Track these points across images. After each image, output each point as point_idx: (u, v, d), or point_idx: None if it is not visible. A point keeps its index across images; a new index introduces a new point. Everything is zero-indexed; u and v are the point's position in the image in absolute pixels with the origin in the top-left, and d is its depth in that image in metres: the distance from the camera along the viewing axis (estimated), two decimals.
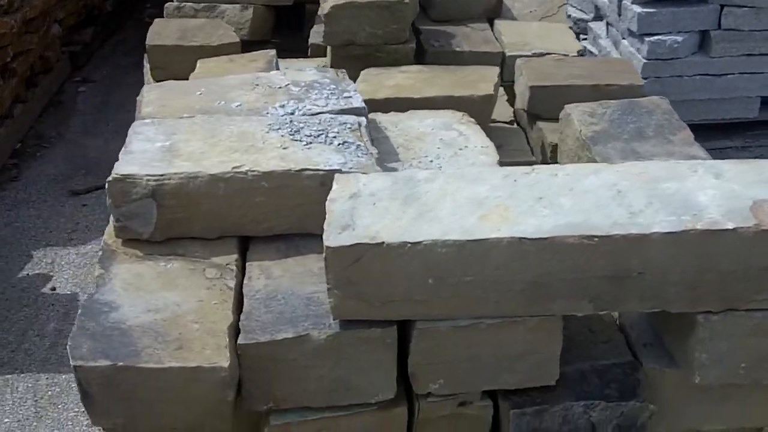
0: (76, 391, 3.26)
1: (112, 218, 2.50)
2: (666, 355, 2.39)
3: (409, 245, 2.14)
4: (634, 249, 2.11)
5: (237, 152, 2.55)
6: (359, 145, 2.62)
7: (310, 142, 2.60)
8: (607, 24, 4.94)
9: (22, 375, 3.49)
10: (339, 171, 2.49)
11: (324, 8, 3.75)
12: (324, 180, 2.48)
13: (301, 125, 2.69)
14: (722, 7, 4.76)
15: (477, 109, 3.28)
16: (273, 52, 3.91)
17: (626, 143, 2.99)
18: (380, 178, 2.39)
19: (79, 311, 2.27)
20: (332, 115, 2.77)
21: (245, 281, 2.41)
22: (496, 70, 3.57)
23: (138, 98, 3.32)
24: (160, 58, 3.95)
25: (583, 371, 2.37)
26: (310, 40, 4.34)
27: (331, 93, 2.92)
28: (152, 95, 2.97)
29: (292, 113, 2.81)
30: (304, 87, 2.98)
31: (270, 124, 2.70)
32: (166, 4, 4.42)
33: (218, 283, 2.38)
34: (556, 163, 3.26)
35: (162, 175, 2.44)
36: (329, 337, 2.22)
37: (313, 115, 2.79)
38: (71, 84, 5.94)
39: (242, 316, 2.28)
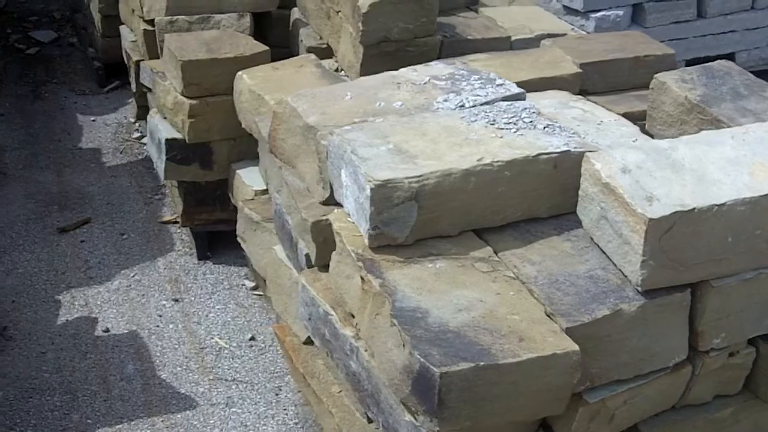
0: (197, 426, 3.12)
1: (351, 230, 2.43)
2: None
3: (716, 207, 2.26)
4: None
5: (463, 146, 2.54)
6: (560, 126, 2.69)
7: (517, 129, 2.64)
8: None
9: (134, 423, 3.24)
10: (568, 152, 2.55)
11: (362, 7, 3.71)
12: (557, 162, 2.54)
13: (491, 115, 2.71)
14: None
15: (567, 87, 3.41)
16: (312, 56, 3.85)
17: (733, 102, 3.23)
18: (630, 152, 2.48)
19: (395, 320, 2.20)
20: (507, 103, 2.81)
21: (513, 270, 2.42)
22: (560, 51, 3.70)
23: (256, 119, 3.19)
24: (194, 73, 3.75)
25: None
26: (305, 43, 4.27)
27: (481, 82, 2.96)
28: (303, 106, 2.87)
29: (462, 105, 2.82)
30: (447, 80, 2.99)
31: (463, 117, 2.70)
32: (157, 19, 4.18)
33: (497, 275, 2.38)
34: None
35: (421, 176, 2.40)
36: (638, 309, 2.30)
37: (484, 104, 2.82)
38: None
39: (545, 302, 2.30)
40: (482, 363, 2.09)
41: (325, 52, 4.19)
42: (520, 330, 2.20)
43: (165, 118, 3.98)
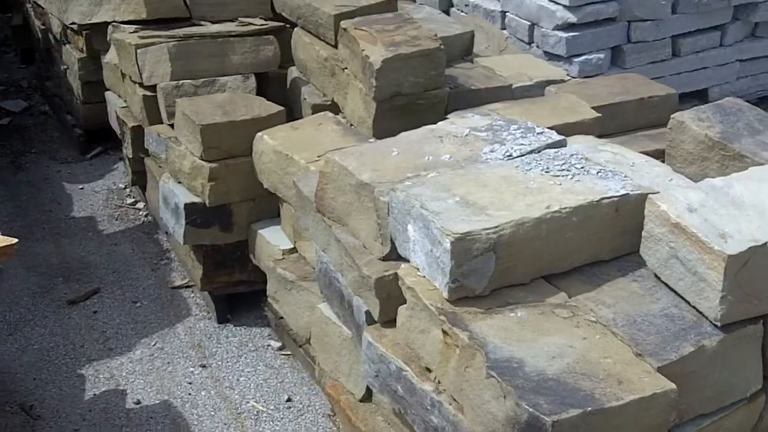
0: None
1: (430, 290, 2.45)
2: None
3: None
4: None
5: (527, 195, 2.60)
6: (611, 170, 2.76)
7: (572, 176, 2.71)
8: None
9: None
10: (627, 195, 2.62)
11: (375, 64, 3.77)
12: (618, 205, 2.62)
13: (543, 162, 2.78)
14: (629, 23, 5.35)
15: (588, 131, 3.50)
16: (329, 113, 3.89)
17: (752, 137, 3.35)
18: (691, 192, 2.56)
19: (492, 372, 2.23)
20: (554, 150, 2.88)
21: (590, 314, 2.47)
22: (574, 97, 3.80)
23: (295, 180, 3.21)
24: (213, 136, 3.76)
25: None
26: (309, 101, 4.31)
27: (522, 132, 3.03)
28: (353, 164, 2.90)
29: (510, 155, 2.88)
30: (488, 131, 3.05)
31: (517, 167, 2.76)
32: (162, 85, 4.18)
33: (578, 320, 2.43)
34: None
35: (497, 227, 2.44)
36: (719, 343, 2.36)
37: (532, 152, 2.88)
38: None
39: (630, 343, 2.35)
40: (590, 408, 2.12)
41: (330, 109, 4.23)
42: (616, 373, 2.24)
43: (180, 182, 3.97)
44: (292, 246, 3.67)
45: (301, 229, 3.36)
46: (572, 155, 2.83)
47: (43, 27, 6.17)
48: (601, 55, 5.28)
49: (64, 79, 5.89)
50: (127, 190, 5.27)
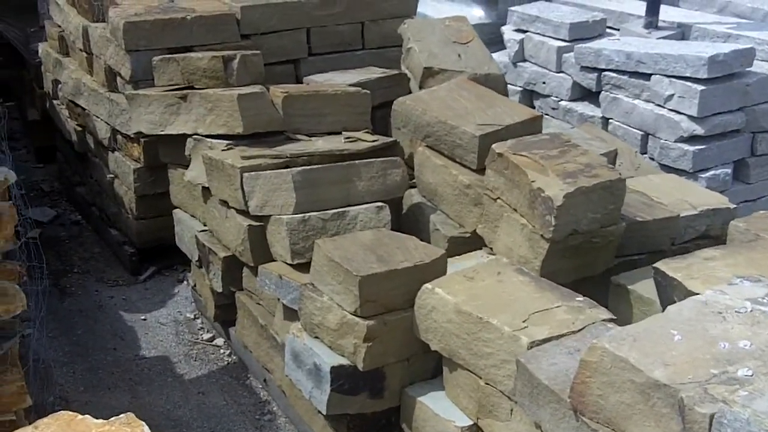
0: None
1: None
2: None
3: None
4: None
5: None
6: None
7: None
8: None
9: None
10: None
11: (555, 199, 3.23)
12: None
13: None
14: (754, 134, 4.90)
15: None
16: (504, 259, 3.33)
17: None
18: None
19: None
20: None
21: None
22: None
23: (521, 360, 2.61)
24: (371, 289, 3.15)
25: None
26: (443, 232, 3.78)
27: None
28: (633, 355, 2.31)
29: None
30: None
31: None
32: (286, 219, 3.56)
33: None
34: None
35: None
36: None
37: None
38: None
39: None
40: None
41: (468, 243, 3.69)
42: None
43: (317, 337, 3.34)
44: (472, 422, 3.06)
45: (531, 418, 2.74)
46: None
47: (79, 128, 5.52)
48: (728, 170, 4.81)
49: (110, 189, 5.23)
50: (198, 321, 4.61)
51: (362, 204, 3.74)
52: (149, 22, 4.68)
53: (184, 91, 4.31)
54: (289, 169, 3.64)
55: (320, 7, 5.12)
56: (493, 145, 3.60)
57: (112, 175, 5.19)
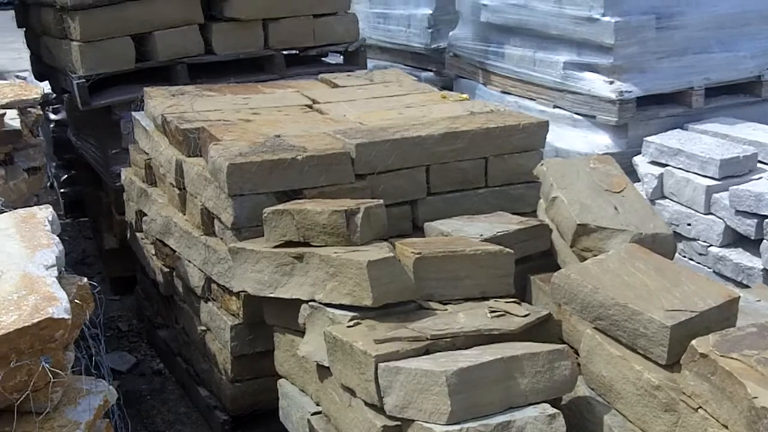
0: None
1: None
2: None
3: None
4: None
5: None
6: None
7: None
8: None
9: None
10: None
11: None
12: None
13: None
14: None
15: None
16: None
17: None
18: None
19: None
20: None
21: None
22: None
23: None
24: None
25: None
26: None
27: None
28: None
29: None
30: None
31: None
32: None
33: None
34: None
35: None
36: None
37: None
38: None
39: None
40: None
41: None
42: None
43: None
44: None
45: None
46: None
47: (167, 270, 4.94)
48: None
49: (200, 343, 4.62)
50: None
51: (526, 406, 3.07)
52: (256, 164, 4.11)
53: (300, 250, 3.72)
54: (443, 370, 2.99)
55: (442, 143, 4.53)
56: (693, 342, 2.93)
57: (203, 328, 4.58)
